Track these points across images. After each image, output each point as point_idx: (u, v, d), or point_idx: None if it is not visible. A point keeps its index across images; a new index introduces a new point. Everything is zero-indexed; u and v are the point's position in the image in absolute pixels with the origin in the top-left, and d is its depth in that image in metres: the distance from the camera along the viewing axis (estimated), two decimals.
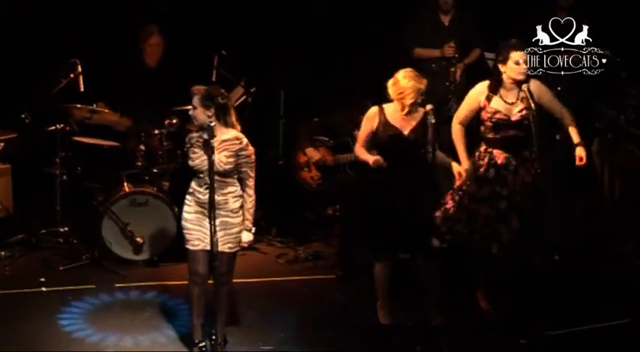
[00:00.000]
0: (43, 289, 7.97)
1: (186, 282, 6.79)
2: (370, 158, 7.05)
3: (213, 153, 6.37)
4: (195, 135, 6.59)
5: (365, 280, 7.66)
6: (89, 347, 6.94)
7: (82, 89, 8.58)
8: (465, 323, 7.34)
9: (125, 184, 8.66)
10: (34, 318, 7.36)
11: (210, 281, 6.70)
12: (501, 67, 7.09)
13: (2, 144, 8.78)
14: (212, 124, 6.39)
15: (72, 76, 8.57)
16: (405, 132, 7.01)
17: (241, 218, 6.64)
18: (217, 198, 6.44)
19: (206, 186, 6.45)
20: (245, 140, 6.55)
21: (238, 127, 6.63)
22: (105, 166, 8.98)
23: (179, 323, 7.26)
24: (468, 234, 7.28)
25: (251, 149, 6.57)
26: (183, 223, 6.67)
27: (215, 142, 6.42)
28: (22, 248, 8.84)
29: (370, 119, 7.09)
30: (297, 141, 9.03)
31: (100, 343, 6.97)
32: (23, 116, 8.67)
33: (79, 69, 8.59)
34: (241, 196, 6.60)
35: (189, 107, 6.80)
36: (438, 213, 7.32)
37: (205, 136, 6.39)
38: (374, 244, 7.26)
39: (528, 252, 7.28)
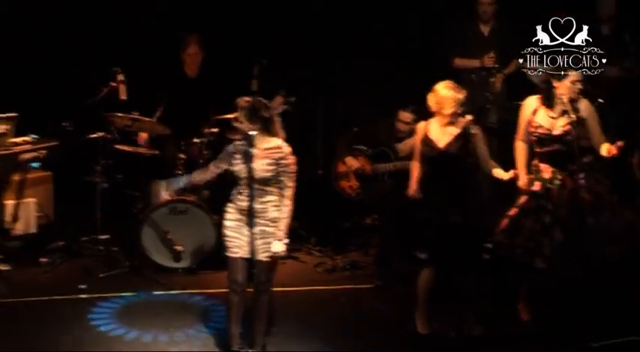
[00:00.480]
0: (84, 296, 8.02)
1: (225, 290, 6.82)
2: (412, 185, 7.23)
3: (252, 161, 6.46)
4: (238, 142, 6.66)
5: (402, 289, 7.76)
6: None
7: (124, 98, 8.72)
8: (506, 334, 7.34)
9: None
10: (72, 325, 7.43)
11: (249, 290, 6.74)
12: (555, 83, 7.14)
13: (44, 151, 8.79)
14: (253, 134, 6.48)
15: (113, 84, 8.71)
16: (441, 146, 7.11)
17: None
18: (257, 206, 6.50)
19: (246, 193, 6.51)
20: (287, 149, 6.61)
21: (282, 135, 6.69)
22: (145, 174, 8.93)
23: (218, 331, 7.25)
24: (512, 246, 7.28)
25: (292, 158, 6.63)
26: (224, 230, 6.73)
27: (257, 150, 6.51)
28: (62, 255, 8.92)
29: (418, 132, 7.26)
30: (337, 150, 9.10)
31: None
32: (65, 124, 8.73)
33: (121, 78, 8.71)
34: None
35: (230, 116, 6.90)
36: (503, 225, 7.31)
37: (246, 145, 6.49)
38: (415, 253, 7.26)
39: (572, 264, 7.24)
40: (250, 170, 6.48)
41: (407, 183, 7.43)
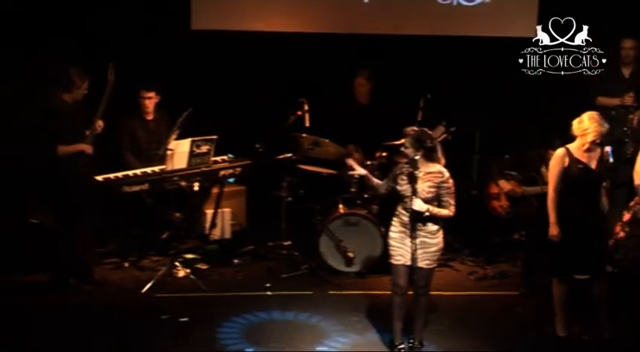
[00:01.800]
0: (268, 293, 8.57)
1: (389, 292, 7.25)
2: (553, 225, 7.44)
3: (416, 182, 6.88)
4: (404, 165, 7.07)
5: (545, 297, 7.90)
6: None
7: (308, 124, 9.17)
8: (636, 339, 7.59)
9: (340, 206, 9.16)
10: (260, 318, 7.98)
11: (410, 293, 7.13)
12: None
13: (239, 169, 9.18)
14: (417, 158, 6.89)
15: (299, 113, 9.19)
16: (593, 166, 7.36)
17: (438, 239, 7.03)
18: (418, 221, 6.93)
19: (409, 209, 6.91)
20: (447, 174, 6.95)
21: (443, 161, 7.04)
22: (324, 191, 9.49)
23: (382, 328, 7.60)
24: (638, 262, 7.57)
25: (451, 181, 6.96)
26: (389, 241, 7.10)
27: (420, 173, 6.91)
28: (252, 257, 9.51)
29: (559, 159, 7.41)
30: (490, 174, 9.23)
31: (314, 341, 7.50)
32: (258, 146, 9.16)
33: (306, 107, 9.18)
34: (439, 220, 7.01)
35: (397, 142, 7.37)
36: (611, 242, 7.64)
37: (410, 168, 6.96)
38: (556, 265, 7.55)
39: None
40: (414, 190, 6.88)
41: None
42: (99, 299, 8.37)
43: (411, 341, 7.17)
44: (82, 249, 8.56)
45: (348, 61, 10.33)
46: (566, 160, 7.40)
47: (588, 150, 7.38)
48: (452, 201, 7.00)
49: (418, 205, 6.87)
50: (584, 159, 7.38)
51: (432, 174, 6.99)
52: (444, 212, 6.99)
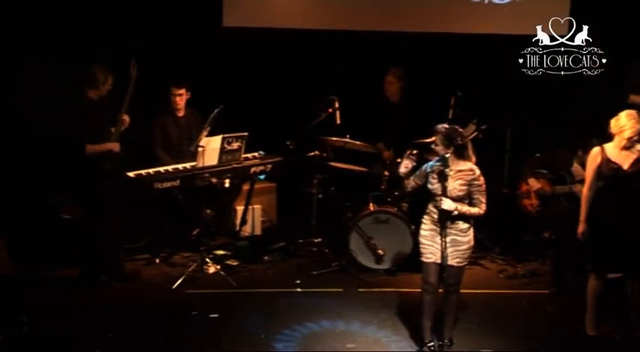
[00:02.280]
0: (298, 290, 8.63)
1: (419, 290, 7.28)
2: (580, 223, 7.49)
3: (447, 180, 6.87)
4: (435, 163, 7.04)
5: (574, 296, 8.04)
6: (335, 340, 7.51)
7: (339, 122, 9.20)
8: None
9: (371, 204, 9.18)
10: (288, 314, 8.02)
11: (440, 290, 7.14)
12: None
13: (270, 166, 9.27)
14: (447, 156, 6.91)
15: (330, 110, 9.23)
16: (625, 167, 7.37)
17: (469, 237, 7.03)
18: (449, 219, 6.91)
19: (439, 208, 6.88)
20: (478, 171, 6.98)
21: (473, 159, 7.06)
22: (354, 188, 9.51)
23: (412, 326, 7.62)
24: None
25: (482, 179, 6.98)
26: (420, 239, 7.12)
27: (451, 172, 6.91)
28: (282, 254, 9.58)
29: (594, 158, 7.46)
30: (522, 172, 9.12)
31: (345, 339, 7.53)
32: (288, 143, 9.24)
33: (337, 105, 9.22)
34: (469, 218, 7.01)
35: (428, 140, 7.36)
36: None
37: (441, 166, 6.95)
38: (595, 262, 7.54)
39: None
40: (444, 188, 6.88)
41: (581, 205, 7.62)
42: (129, 295, 8.46)
43: (441, 339, 7.16)
44: (111, 245, 8.66)
45: (380, 58, 10.35)
46: (599, 159, 7.44)
47: (625, 149, 7.39)
48: (483, 199, 7.01)
49: (447, 205, 6.86)
50: (617, 159, 7.40)
51: (463, 172, 7.00)
52: (474, 210, 6.99)
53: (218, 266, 8.97)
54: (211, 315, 7.98)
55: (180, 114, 9.54)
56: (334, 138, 9.27)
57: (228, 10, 10.49)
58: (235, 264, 9.28)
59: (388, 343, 7.52)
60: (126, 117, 8.58)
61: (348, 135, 9.29)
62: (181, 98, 9.45)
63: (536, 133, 9.93)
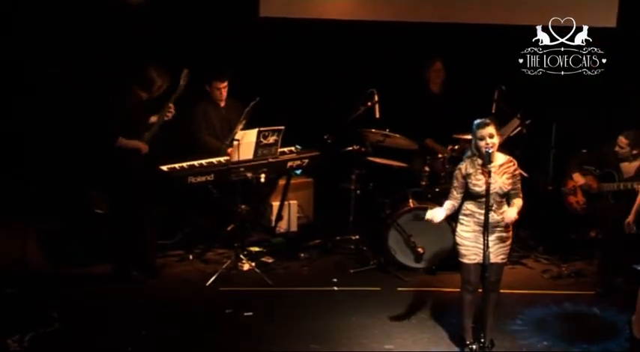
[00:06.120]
0: (335, 288, 8.55)
1: (458, 290, 7.22)
2: (632, 215, 7.55)
3: (491, 176, 6.74)
4: (476, 160, 6.86)
5: (622, 298, 7.97)
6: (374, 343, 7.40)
7: (378, 116, 9.10)
8: None
9: (410, 200, 9.04)
10: (326, 314, 7.95)
11: (479, 290, 7.03)
12: None
13: (307, 160, 9.22)
14: (490, 151, 6.72)
15: (369, 104, 9.10)
16: None
17: (511, 232, 6.92)
18: (496, 217, 6.81)
19: (484, 206, 6.73)
20: (514, 161, 6.91)
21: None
22: (394, 184, 9.40)
23: (452, 326, 7.56)
24: None
25: (518, 168, 6.93)
26: (460, 240, 6.99)
27: (493, 168, 6.78)
28: (318, 251, 9.48)
29: None
30: (567, 169, 9.03)
31: (383, 340, 7.43)
32: (326, 137, 9.15)
33: (376, 98, 9.10)
34: None
35: (469, 137, 7.09)
36: None
37: (484, 163, 6.77)
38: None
39: None
40: (489, 185, 6.72)
41: (629, 203, 7.63)
42: (162, 292, 8.42)
43: (482, 340, 7.04)
44: (142, 241, 8.61)
45: (420, 50, 10.22)
46: None
47: None
48: (518, 185, 6.92)
49: (511, 214, 6.78)
50: None
51: (505, 165, 6.89)
52: (520, 203, 6.89)
53: (253, 264, 8.90)
54: (245, 314, 7.93)
55: (223, 104, 9.49)
56: (374, 130, 9.19)
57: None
58: (270, 261, 9.23)
59: (428, 344, 7.44)
60: (171, 107, 8.50)
61: (387, 129, 9.18)
62: (225, 90, 9.40)
63: (583, 129, 9.81)
